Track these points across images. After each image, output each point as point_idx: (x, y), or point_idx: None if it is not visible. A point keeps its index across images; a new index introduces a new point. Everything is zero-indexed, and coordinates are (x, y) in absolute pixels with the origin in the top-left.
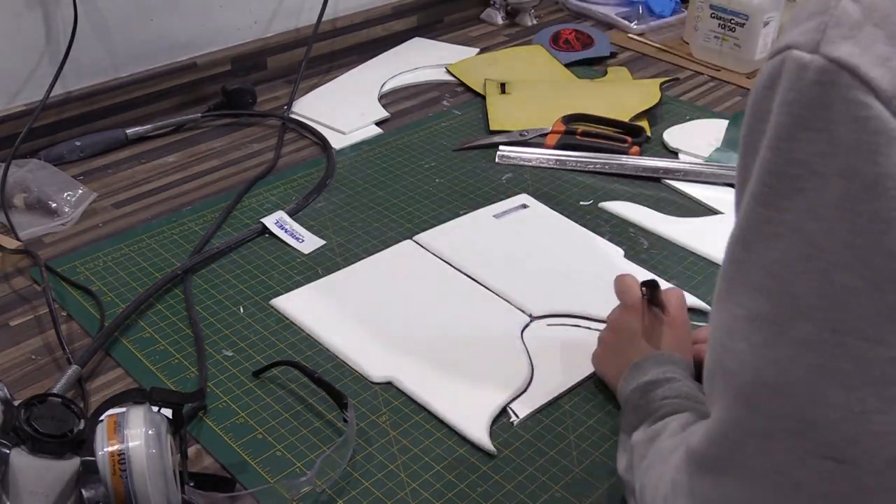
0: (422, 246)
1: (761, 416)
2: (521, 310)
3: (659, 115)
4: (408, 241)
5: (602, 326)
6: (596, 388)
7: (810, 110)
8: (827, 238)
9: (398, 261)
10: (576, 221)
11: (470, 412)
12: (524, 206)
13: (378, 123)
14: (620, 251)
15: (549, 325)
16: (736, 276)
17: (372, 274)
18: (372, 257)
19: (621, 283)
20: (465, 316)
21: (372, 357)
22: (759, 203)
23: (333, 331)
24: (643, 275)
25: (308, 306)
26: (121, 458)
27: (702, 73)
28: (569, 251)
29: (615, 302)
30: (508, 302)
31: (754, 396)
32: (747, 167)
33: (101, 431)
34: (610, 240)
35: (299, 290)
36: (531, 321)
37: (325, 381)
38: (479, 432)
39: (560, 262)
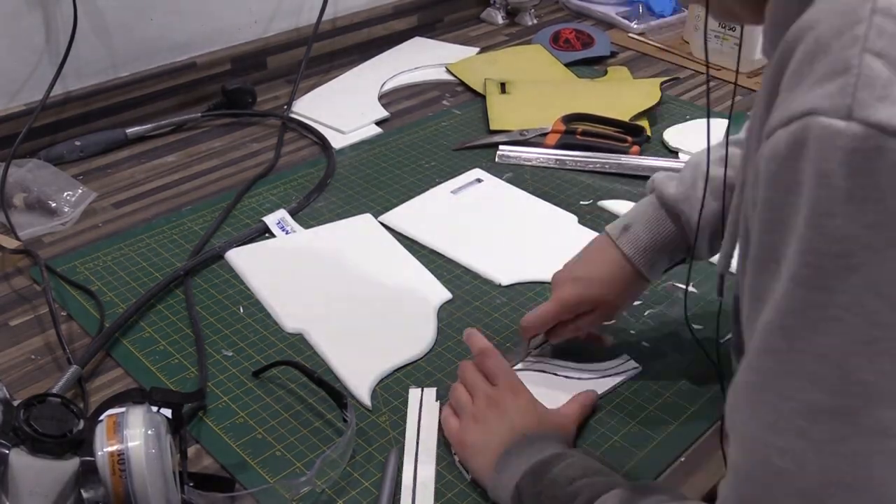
0: (380, 222)
1: None
2: (488, 279)
3: (659, 115)
4: (366, 215)
5: None
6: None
7: (853, 180)
8: (894, 315)
9: (351, 230)
10: (577, 221)
11: (359, 370)
12: (479, 181)
13: (378, 123)
14: (574, 218)
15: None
16: (776, 366)
17: (322, 240)
18: (328, 225)
19: (489, 360)
20: (391, 286)
21: (290, 309)
22: (803, 286)
23: (264, 283)
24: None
25: (253, 260)
26: (120, 459)
27: (702, 73)
28: (526, 221)
29: None
30: (475, 272)
31: (828, 498)
32: (775, 246)
33: (100, 431)
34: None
35: (251, 246)
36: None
37: (325, 381)
38: (361, 389)
39: (519, 232)
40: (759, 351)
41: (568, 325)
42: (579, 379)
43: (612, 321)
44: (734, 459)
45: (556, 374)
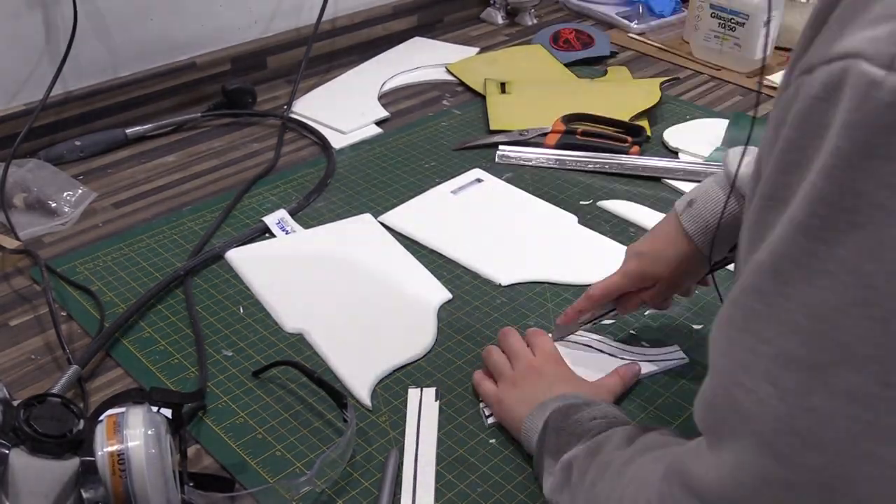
0: (380, 222)
1: (788, 467)
2: (488, 279)
3: (659, 115)
4: (366, 215)
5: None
6: None
7: (882, 136)
8: (889, 283)
9: (351, 230)
10: (577, 221)
11: (359, 370)
12: (479, 181)
13: (378, 123)
14: (575, 218)
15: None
16: (762, 308)
17: (322, 240)
18: (328, 225)
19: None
20: (391, 286)
21: (290, 309)
22: (804, 233)
23: (264, 283)
24: (599, 242)
25: (253, 260)
26: (120, 459)
27: (702, 73)
28: (526, 221)
29: (575, 266)
30: (475, 272)
31: (781, 445)
32: (787, 187)
33: (100, 431)
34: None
35: (251, 246)
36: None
37: (325, 381)
38: (361, 389)
39: (519, 232)
40: (747, 289)
41: (633, 298)
42: (622, 358)
43: (686, 296)
44: (704, 384)
45: (600, 351)
